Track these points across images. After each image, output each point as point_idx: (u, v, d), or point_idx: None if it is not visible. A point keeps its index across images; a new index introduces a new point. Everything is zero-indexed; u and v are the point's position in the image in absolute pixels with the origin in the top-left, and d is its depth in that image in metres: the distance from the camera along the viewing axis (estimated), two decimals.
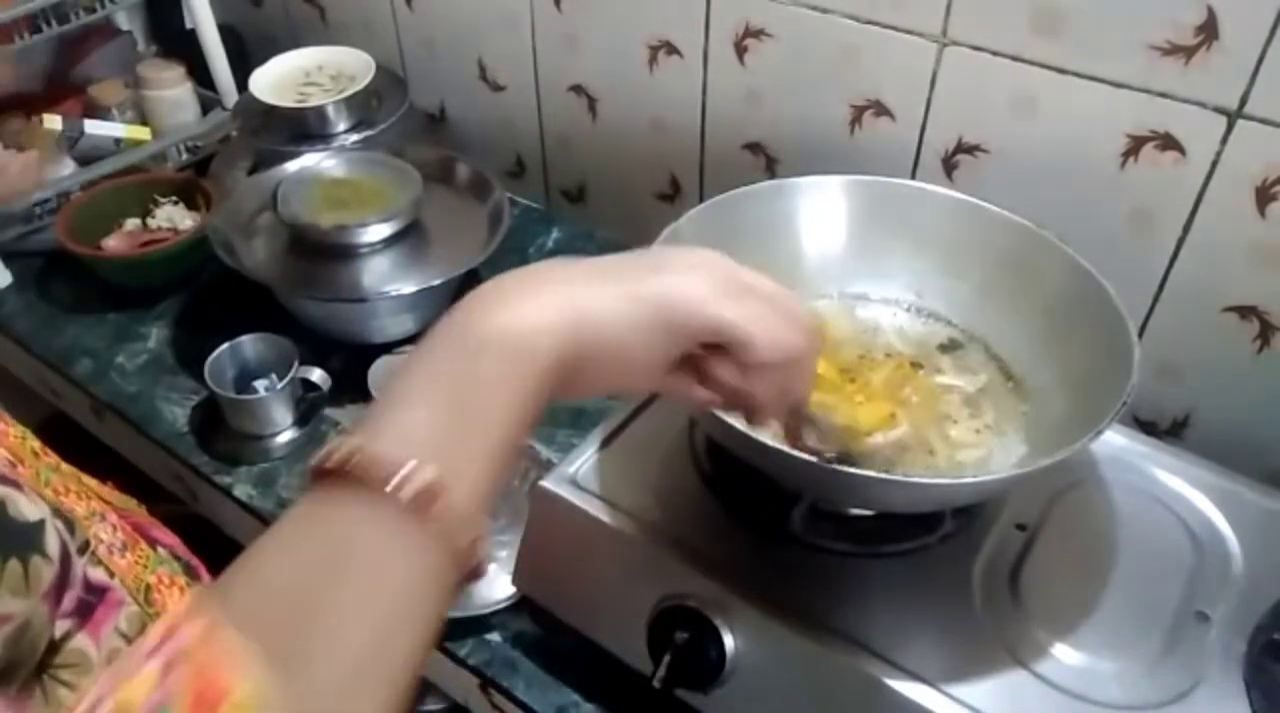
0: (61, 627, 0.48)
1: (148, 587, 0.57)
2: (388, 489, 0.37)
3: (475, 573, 0.40)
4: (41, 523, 0.46)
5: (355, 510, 0.38)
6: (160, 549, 0.62)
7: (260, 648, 0.33)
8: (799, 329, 0.49)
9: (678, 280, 0.45)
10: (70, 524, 0.50)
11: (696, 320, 0.45)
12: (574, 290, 0.44)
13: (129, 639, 0.52)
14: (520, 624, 0.79)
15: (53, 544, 0.46)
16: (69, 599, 0.48)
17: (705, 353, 0.48)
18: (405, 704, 0.38)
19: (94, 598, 0.51)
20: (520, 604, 0.78)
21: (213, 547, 0.69)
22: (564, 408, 0.95)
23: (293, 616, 0.36)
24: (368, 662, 0.36)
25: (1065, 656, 0.60)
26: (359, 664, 0.36)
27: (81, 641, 0.49)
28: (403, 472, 0.37)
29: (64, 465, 0.58)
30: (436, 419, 0.40)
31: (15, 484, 0.46)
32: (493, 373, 0.41)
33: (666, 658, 0.65)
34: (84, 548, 0.51)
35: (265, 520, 0.89)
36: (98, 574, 0.52)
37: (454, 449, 0.39)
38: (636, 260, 0.47)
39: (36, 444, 0.56)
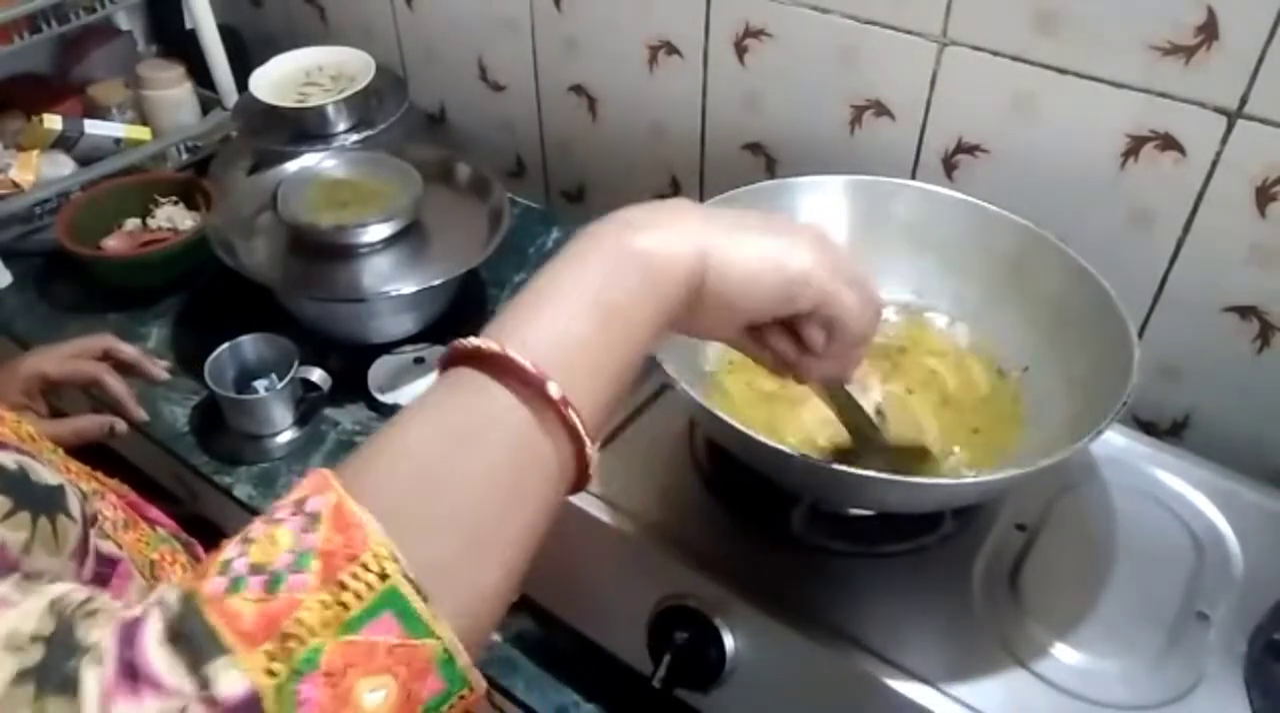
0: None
1: (151, 563, 0.57)
2: (536, 378, 0.39)
3: (579, 486, 0.42)
4: (61, 487, 0.47)
5: (498, 389, 0.39)
6: (159, 529, 0.63)
7: (386, 517, 0.35)
8: (876, 315, 0.52)
9: (803, 250, 0.48)
10: (84, 494, 0.51)
11: (812, 290, 0.48)
12: (710, 229, 0.46)
13: None
14: (520, 624, 0.79)
15: (75, 506, 0.47)
16: (87, 568, 0.49)
17: (783, 322, 0.51)
18: (515, 587, 0.40)
19: (107, 569, 0.51)
20: (520, 604, 0.78)
21: (213, 547, 0.69)
22: None
23: (421, 484, 0.37)
24: (486, 534, 0.38)
25: (1065, 655, 0.60)
26: (477, 535, 0.38)
27: None
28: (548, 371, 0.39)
29: (59, 449, 0.59)
30: (583, 329, 0.42)
31: (30, 454, 0.47)
32: (639, 289, 0.43)
33: (666, 658, 0.65)
34: (93, 520, 0.52)
35: None
36: (108, 546, 0.52)
37: (593, 362, 0.41)
38: (764, 218, 0.49)
39: (32, 429, 0.56)
